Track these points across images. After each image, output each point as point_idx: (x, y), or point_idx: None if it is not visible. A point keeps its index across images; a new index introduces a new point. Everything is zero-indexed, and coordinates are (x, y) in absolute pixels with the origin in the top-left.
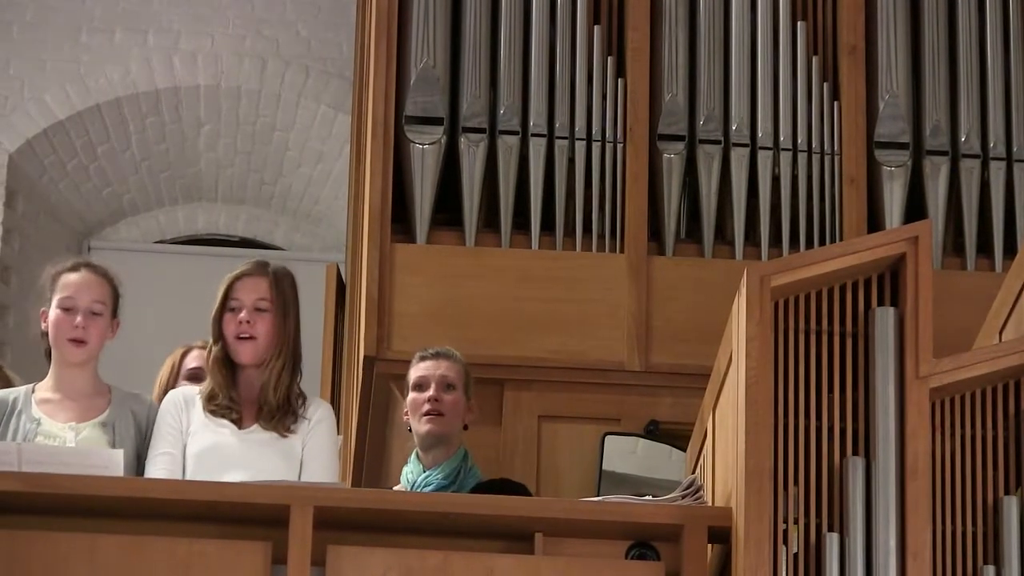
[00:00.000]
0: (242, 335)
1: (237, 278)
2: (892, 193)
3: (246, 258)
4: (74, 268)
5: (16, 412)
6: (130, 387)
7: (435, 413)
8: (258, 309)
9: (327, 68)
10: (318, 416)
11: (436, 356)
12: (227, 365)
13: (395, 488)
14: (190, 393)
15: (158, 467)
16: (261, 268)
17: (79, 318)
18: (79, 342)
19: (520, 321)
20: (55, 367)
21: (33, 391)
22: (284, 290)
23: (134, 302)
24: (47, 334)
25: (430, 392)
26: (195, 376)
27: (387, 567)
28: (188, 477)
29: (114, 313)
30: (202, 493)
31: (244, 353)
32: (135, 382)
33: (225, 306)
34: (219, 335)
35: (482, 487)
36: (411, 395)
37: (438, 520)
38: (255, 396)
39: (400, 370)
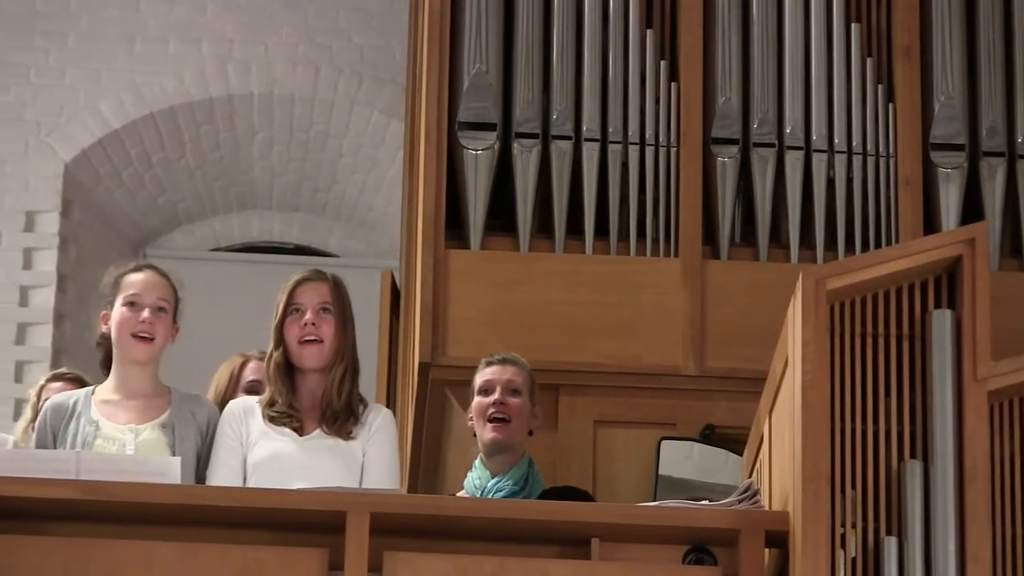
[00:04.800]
0: (308, 337)
1: (298, 283)
2: (948, 195)
3: (301, 265)
4: (139, 268)
5: (76, 415)
6: None
7: (500, 417)
8: (323, 310)
9: (380, 75)
10: (379, 422)
11: (503, 362)
12: (288, 371)
13: (458, 495)
14: (249, 403)
15: (218, 480)
16: (321, 274)
17: (146, 313)
18: (145, 339)
19: (575, 326)
20: (117, 368)
21: (93, 393)
22: (343, 296)
23: (190, 309)
24: (106, 338)
25: (495, 396)
26: (254, 390)
27: (443, 573)
28: (250, 486)
29: (174, 317)
30: (259, 500)
31: (310, 357)
32: (191, 389)
33: (287, 311)
34: (280, 340)
35: (549, 495)
36: (476, 399)
37: (495, 526)
38: (316, 402)
39: (455, 376)
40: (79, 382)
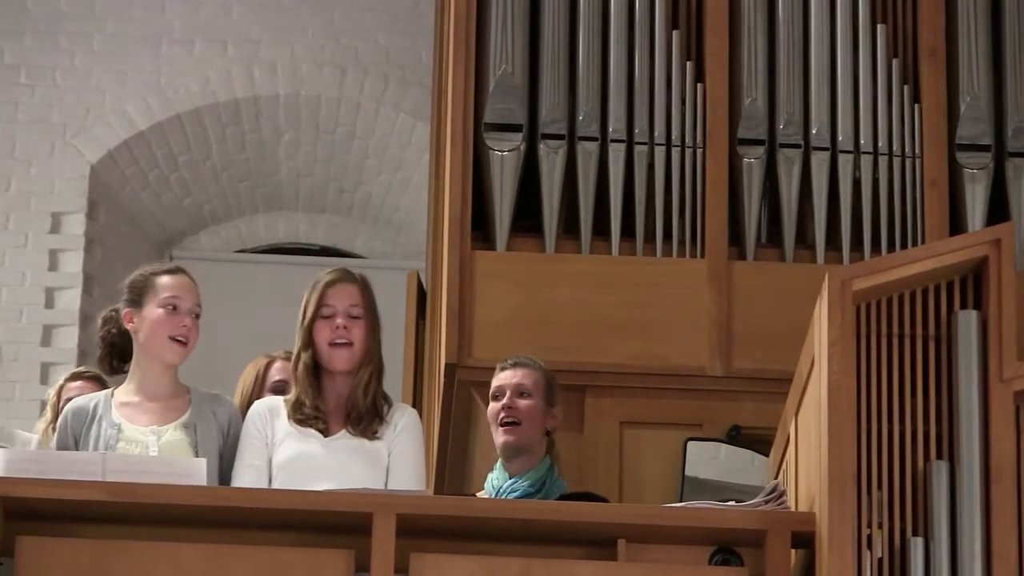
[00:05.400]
0: (338, 340)
1: (329, 284)
2: (974, 195)
3: (327, 267)
4: (172, 271)
5: (97, 418)
6: None
7: (510, 421)
8: (352, 316)
9: (406, 76)
10: (404, 423)
11: (514, 366)
12: (315, 372)
13: (478, 495)
14: (274, 403)
15: (244, 480)
16: (350, 275)
17: (188, 318)
18: (182, 342)
19: (601, 327)
20: (140, 368)
21: (112, 395)
22: (371, 296)
23: (215, 311)
24: (112, 333)
25: (504, 400)
26: (280, 389)
27: (470, 574)
28: (275, 487)
29: None
30: (285, 502)
31: (340, 361)
32: (217, 391)
33: (318, 313)
34: (309, 342)
35: (566, 499)
36: (490, 405)
37: (521, 527)
38: (342, 403)
39: (481, 377)
40: (98, 380)
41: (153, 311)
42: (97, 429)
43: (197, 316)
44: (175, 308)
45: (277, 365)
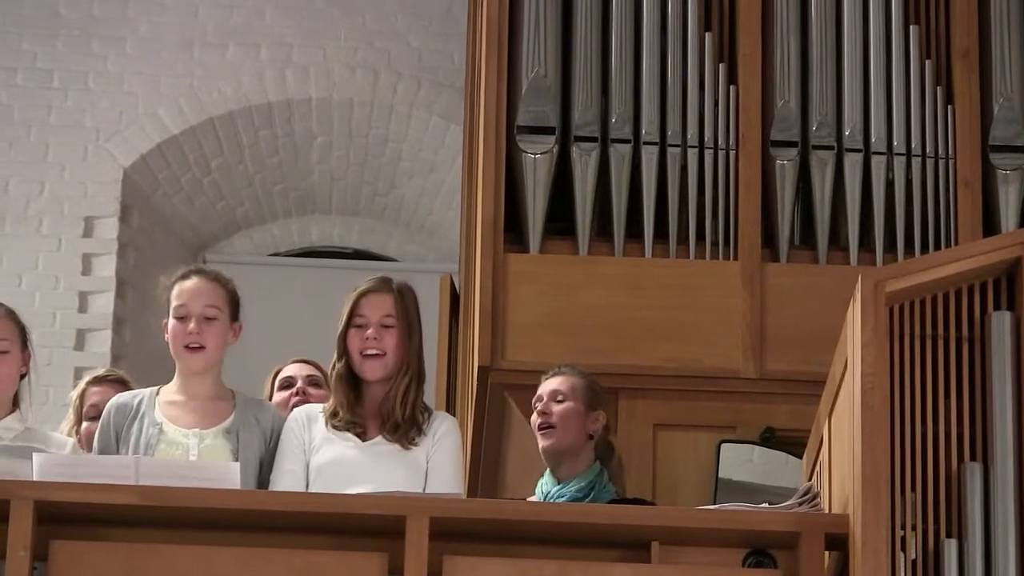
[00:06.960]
0: (368, 351)
1: (362, 295)
2: (1007, 196)
3: (360, 270)
4: (185, 276)
5: (140, 415)
6: None
7: (545, 426)
8: (384, 326)
9: (439, 79)
10: (443, 430)
11: (553, 374)
12: (350, 381)
13: (529, 500)
14: (313, 410)
15: (283, 485)
16: (385, 284)
17: (192, 324)
18: (196, 348)
19: (634, 329)
20: (179, 375)
21: (158, 393)
22: (408, 306)
23: (248, 315)
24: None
25: (541, 406)
26: (287, 384)
27: None
28: (312, 490)
29: (234, 317)
30: (319, 505)
31: (371, 371)
32: (249, 395)
33: (351, 323)
34: (344, 351)
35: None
36: (532, 415)
37: (554, 530)
38: (379, 409)
39: (515, 380)
40: (122, 383)
41: (170, 322)
42: (139, 426)
43: (211, 318)
44: (183, 317)
45: (288, 367)
